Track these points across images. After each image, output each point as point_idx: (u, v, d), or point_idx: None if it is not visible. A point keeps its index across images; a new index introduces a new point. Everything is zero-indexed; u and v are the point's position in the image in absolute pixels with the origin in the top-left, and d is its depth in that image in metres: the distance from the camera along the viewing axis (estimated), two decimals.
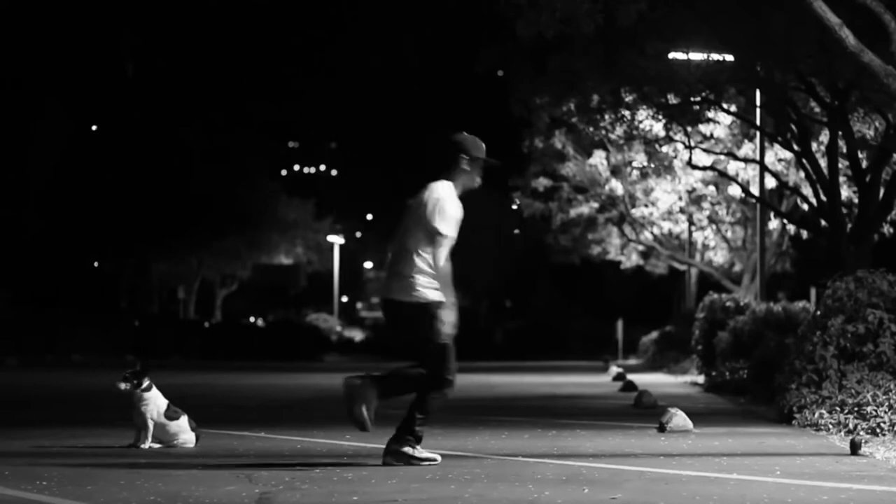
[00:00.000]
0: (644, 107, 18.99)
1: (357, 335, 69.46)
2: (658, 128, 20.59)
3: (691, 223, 33.15)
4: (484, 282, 60.46)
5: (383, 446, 7.39)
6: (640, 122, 19.72)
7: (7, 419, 11.76)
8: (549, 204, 33.65)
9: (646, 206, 32.10)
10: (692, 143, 21.56)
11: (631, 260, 37.13)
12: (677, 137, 21.37)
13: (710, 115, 20.52)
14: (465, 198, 7.56)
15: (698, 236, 34.13)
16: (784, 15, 14.50)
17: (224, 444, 8.69)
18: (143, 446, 8.34)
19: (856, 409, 9.77)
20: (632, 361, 35.99)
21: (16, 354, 32.52)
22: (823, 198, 17.70)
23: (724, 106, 19.71)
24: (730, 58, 18.14)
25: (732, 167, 27.20)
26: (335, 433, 9.66)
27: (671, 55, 18.62)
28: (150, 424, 8.36)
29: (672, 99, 18.82)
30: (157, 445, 8.40)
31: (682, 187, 30.78)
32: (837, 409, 9.94)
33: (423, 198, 7.40)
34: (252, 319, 64.66)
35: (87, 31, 46.27)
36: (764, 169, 22.52)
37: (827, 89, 17.00)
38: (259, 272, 56.11)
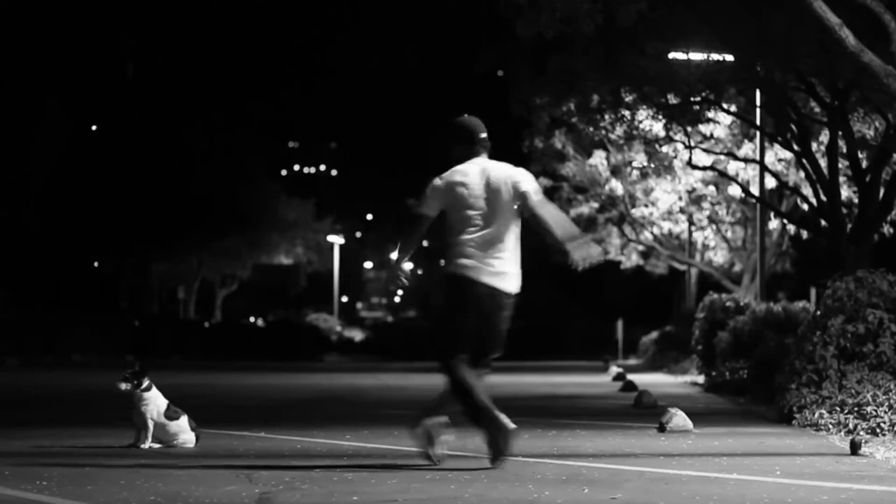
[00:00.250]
0: (644, 107, 18.99)
1: (357, 335, 69.50)
2: (658, 128, 20.59)
3: (691, 223, 33.15)
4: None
5: (383, 446, 7.39)
6: (640, 122, 19.72)
7: (7, 419, 11.76)
8: None
9: (646, 206, 32.10)
10: (692, 143, 21.56)
11: (631, 260, 37.13)
12: (677, 137, 21.37)
13: (710, 115, 20.51)
14: None
15: (698, 236, 34.13)
16: (784, 15, 14.50)
17: (224, 444, 8.69)
18: (143, 446, 8.34)
19: (856, 409, 9.77)
20: (632, 361, 35.99)
21: (16, 354, 32.50)
22: (823, 198, 17.70)
23: (724, 106, 19.71)
24: (730, 58, 18.14)
25: (732, 167, 27.20)
26: (335, 433, 9.67)
27: (671, 55, 18.62)
28: (150, 424, 8.36)
29: (672, 99, 18.83)
30: (157, 445, 8.40)
31: (682, 187, 30.77)
32: (837, 409, 9.94)
33: (502, 179, 7.30)
34: (252, 319, 64.67)
35: (87, 31, 46.25)
36: (764, 169, 22.52)
37: (827, 89, 17.00)
38: (259, 272, 56.12)
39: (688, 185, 30.72)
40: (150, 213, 45.75)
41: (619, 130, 20.41)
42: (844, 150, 17.92)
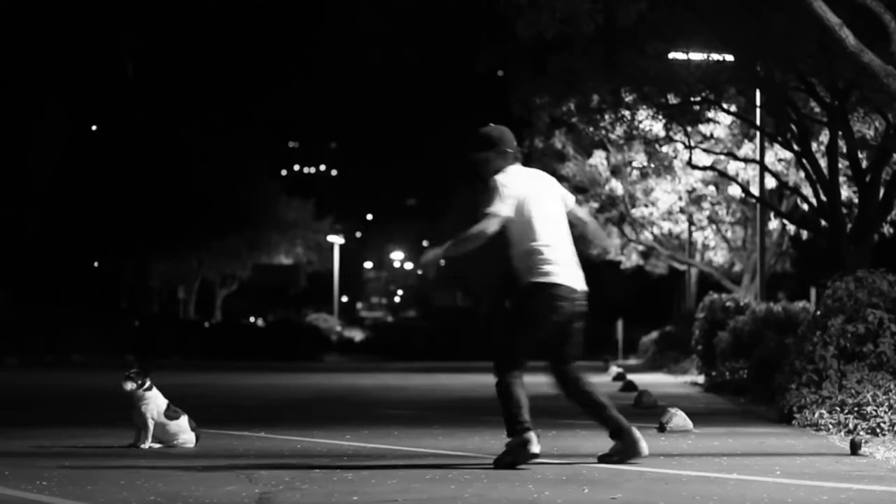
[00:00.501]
0: (644, 107, 18.99)
1: (357, 335, 69.49)
2: (658, 128, 20.58)
3: (691, 223, 33.14)
4: (484, 282, 60.43)
5: (383, 446, 7.39)
6: (640, 122, 19.71)
7: (7, 419, 11.75)
8: None
9: (646, 206, 32.10)
10: (692, 143, 21.55)
11: (631, 260, 37.12)
12: (677, 137, 21.37)
13: (710, 115, 20.51)
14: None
15: (698, 236, 34.13)
16: (784, 15, 14.49)
17: (224, 444, 8.69)
18: (143, 446, 8.34)
19: (856, 409, 9.76)
20: (632, 361, 35.98)
21: (16, 354, 32.50)
22: (823, 198, 17.69)
23: (724, 106, 19.71)
24: (730, 58, 18.14)
25: (732, 167, 27.20)
26: (335, 433, 9.66)
27: (671, 55, 18.61)
28: (151, 424, 8.36)
29: (672, 99, 18.82)
30: (157, 445, 8.40)
31: (682, 187, 30.77)
32: (837, 409, 9.94)
33: (551, 184, 7.52)
34: (252, 319, 64.69)
35: (87, 31, 46.24)
36: (764, 169, 22.51)
37: (827, 89, 16.99)
38: (259, 272, 56.13)
39: (688, 185, 30.72)
40: (150, 213, 45.76)
41: (619, 130, 20.41)
42: (844, 150, 17.91)
